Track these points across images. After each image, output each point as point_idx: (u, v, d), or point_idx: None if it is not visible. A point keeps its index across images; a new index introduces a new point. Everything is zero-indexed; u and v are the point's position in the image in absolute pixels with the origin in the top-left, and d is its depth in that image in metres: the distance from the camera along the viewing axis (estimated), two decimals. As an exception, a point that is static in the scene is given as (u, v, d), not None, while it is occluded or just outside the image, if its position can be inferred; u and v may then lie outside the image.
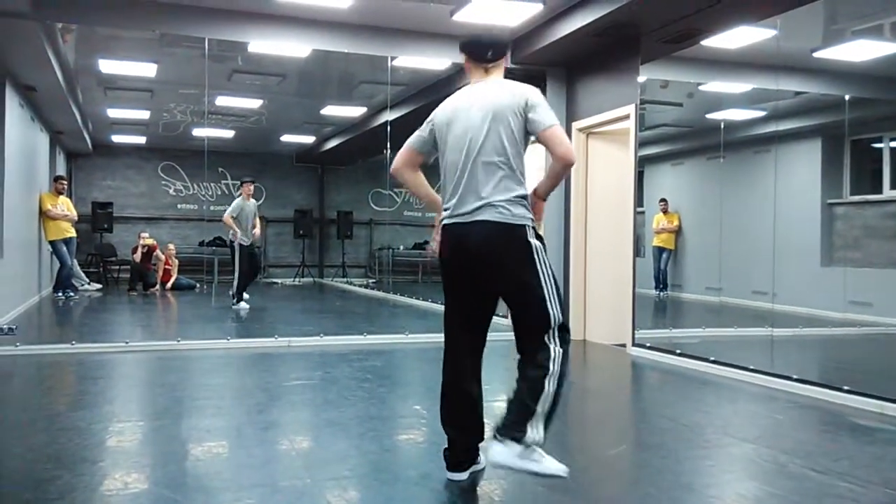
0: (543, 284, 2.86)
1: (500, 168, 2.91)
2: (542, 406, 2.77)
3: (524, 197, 2.92)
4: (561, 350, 2.83)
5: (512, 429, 2.75)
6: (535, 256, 2.87)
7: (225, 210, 9.69)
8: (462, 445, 3.09)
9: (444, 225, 3.01)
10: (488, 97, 3.00)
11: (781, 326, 5.84)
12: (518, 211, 2.89)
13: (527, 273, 2.86)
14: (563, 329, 2.87)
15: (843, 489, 3.03)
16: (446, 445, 3.12)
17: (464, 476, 3.07)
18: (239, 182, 10.09)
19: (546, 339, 2.83)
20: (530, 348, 2.85)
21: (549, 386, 2.78)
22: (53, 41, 7.25)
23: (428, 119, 3.20)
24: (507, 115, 2.92)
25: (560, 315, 2.87)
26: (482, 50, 3.13)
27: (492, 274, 2.91)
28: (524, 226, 2.88)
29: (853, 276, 6.42)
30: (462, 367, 3.06)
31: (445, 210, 3.02)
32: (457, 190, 2.97)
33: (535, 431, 2.76)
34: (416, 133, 3.22)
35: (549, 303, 2.84)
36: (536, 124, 2.90)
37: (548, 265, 2.90)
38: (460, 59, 3.20)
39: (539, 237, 2.93)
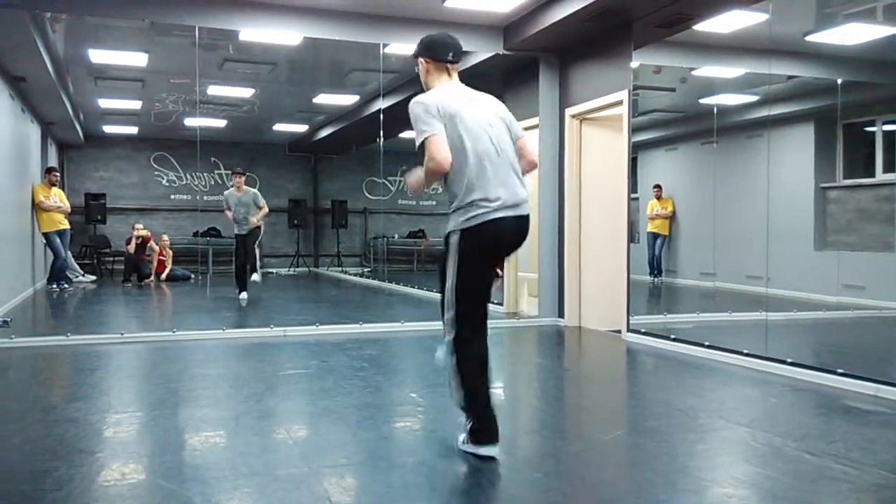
0: None
1: (517, 168, 3.28)
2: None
3: None
4: None
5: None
6: None
7: (216, 199, 9.55)
8: (488, 409, 3.22)
9: (495, 218, 3.10)
10: (487, 103, 3.35)
11: (775, 311, 5.87)
12: None
13: None
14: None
15: (837, 471, 3.05)
16: (474, 423, 3.20)
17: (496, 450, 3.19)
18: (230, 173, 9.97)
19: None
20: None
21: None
22: (43, 31, 7.20)
23: (427, 112, 3.13)
24: (504, 122, 3.32)
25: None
26: (445, 50, 3.37)
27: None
28: None
29: (846, 260, 6.45)
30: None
31: (484, 201, 3.10)
32: (495, 184, 3.14)
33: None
34: (431, 126, 3.10)
35: None
36: (516, 131, 3.36)
37: None
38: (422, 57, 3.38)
39: None
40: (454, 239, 3.18)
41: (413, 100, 3.19)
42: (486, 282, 3.30)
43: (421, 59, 3.37)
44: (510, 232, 3.18)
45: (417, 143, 3.13)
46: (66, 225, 10.48)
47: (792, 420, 4.02)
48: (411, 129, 3.15)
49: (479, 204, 3.10)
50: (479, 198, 3.10)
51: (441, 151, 3.08)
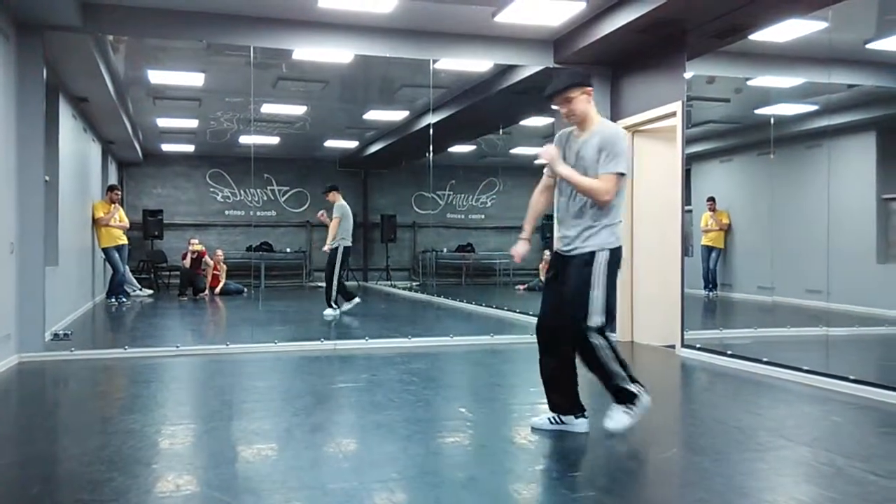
0: None
1: None
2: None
3: None
4: None
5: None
6: None
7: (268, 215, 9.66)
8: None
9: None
10: None
11: (837, 326, 5.68)
12: None
13: None
14: None
15: (906, 494, 2.93)
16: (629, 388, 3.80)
17: None
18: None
19: None
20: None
21: None
22: (104, 53, 7.43)
23: (627, 149, 3.75)
24: None
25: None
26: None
27: None
28: None
29: (912, 274, 6.22)
30: None
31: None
32: None
33: None
34: (626, 166, 3.68)
35: None
36: None
37: None
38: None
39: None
40: (605, 255, 3.67)
41: (618, 129, 3.80)
42: None
43: (586, 90, 3.72)
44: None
45: (608, 171, 3.60)
46: (124, 240, 10.76)
47: (856, 439, 3.88)
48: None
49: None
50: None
51: (614, 191, 3.63)
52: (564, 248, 3.78)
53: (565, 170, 3.69)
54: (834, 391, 4.89)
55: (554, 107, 3.79)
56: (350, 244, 9.51)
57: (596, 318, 3.67)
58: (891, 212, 6.59)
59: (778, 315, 7.08)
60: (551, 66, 7.46)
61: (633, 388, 3.74)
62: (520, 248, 3.86)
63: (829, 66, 5.68)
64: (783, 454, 3.55)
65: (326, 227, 9.52)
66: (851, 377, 4.88)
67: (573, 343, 3.74)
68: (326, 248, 9.43)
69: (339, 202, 9.51)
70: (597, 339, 3.67)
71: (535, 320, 3.76)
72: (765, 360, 5.64)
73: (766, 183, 7.20)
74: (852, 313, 6.22)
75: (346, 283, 9.68)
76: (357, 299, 9.46)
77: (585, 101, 3.72)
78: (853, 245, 6.46)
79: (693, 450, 3.70)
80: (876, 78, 6.42)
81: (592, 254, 3.66)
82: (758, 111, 7.40)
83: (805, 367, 5.24)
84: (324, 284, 9.61)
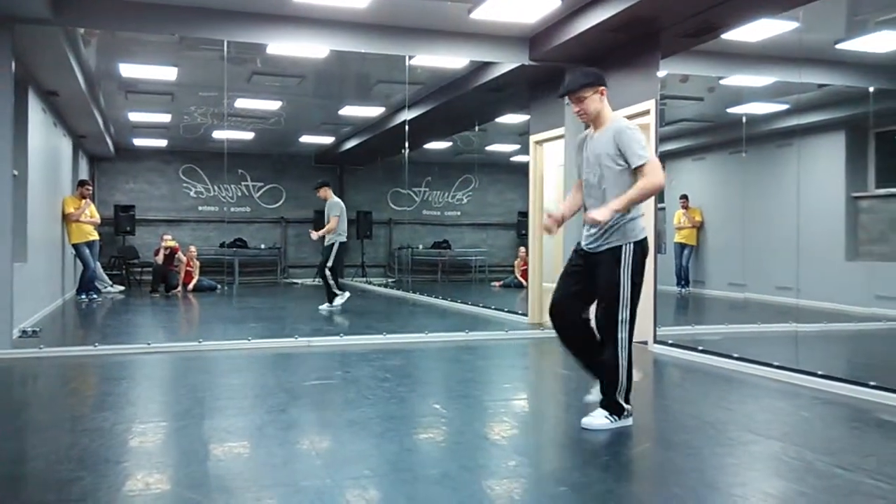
0: None
1: None
2: None
3: None
4: None
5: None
6: None
7: (243, 211, 9.65)
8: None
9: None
10: None
11: (806, 322, 5.76)
12: None
13: None
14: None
15: (870, 486, 2.98)
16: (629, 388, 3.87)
17: None
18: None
19: None
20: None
21: None
22: (75, 46, 7.32)
23: (642, 136, 3.70)
24: None
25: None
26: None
27: None
28: None
29: (879, 270, 6.33)
30: None
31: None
32: None
33: None
34: (647, 150, 3.69)
35: None
36: None
37: None
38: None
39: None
40: (630, 249, 3.69)
41: (625, 123, 3.73)
42: None
43: (599, 89, 3.76)
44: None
45: (637, 164, 3.62)
46: (95, 236, 10.61)
47: (823, 434, 3.94)
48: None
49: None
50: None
51: (662, 172, 3.67)
52: (591, 246, 3.81)
53: (615, 205, 3.61)
54: (803, 386, 4.96)
55: (567, 104, 3.84)
56: (345, 240, 9.57)
57: (623, 313, 3.72)
58: (859, 210, 6.71)
59: (749, 311, 7.18)
60: (527, 63, 7.48)
61: (625, 405, 3.84)
62: (550, 217, 3.91)
63: (800, 65, 5.76)
64: (754, 449, 3.59)
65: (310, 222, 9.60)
66: (820, 372, 4.95)
67: (604, 338, 3.80)
68: (315, 236, 9.56)
69: (333, 199, 9.57)
70: (622, 333, 3.75)
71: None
72: (736, 355, 5.70)
73: (738, 181, 7.29)
74: (821, 310, 6.32)
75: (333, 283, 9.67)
76: (338, 304, 9.46)
77: (598, 101, 3.78)
78: (822, 243, 6.56)
79: (665, 445, 3.73)
80: (845, 78, 6.52)
81: (619, 248, 3.72)
82: (730, 110, 7.48)
83: (775, 363, 5.31)
84: (299, 282, 9.65)
